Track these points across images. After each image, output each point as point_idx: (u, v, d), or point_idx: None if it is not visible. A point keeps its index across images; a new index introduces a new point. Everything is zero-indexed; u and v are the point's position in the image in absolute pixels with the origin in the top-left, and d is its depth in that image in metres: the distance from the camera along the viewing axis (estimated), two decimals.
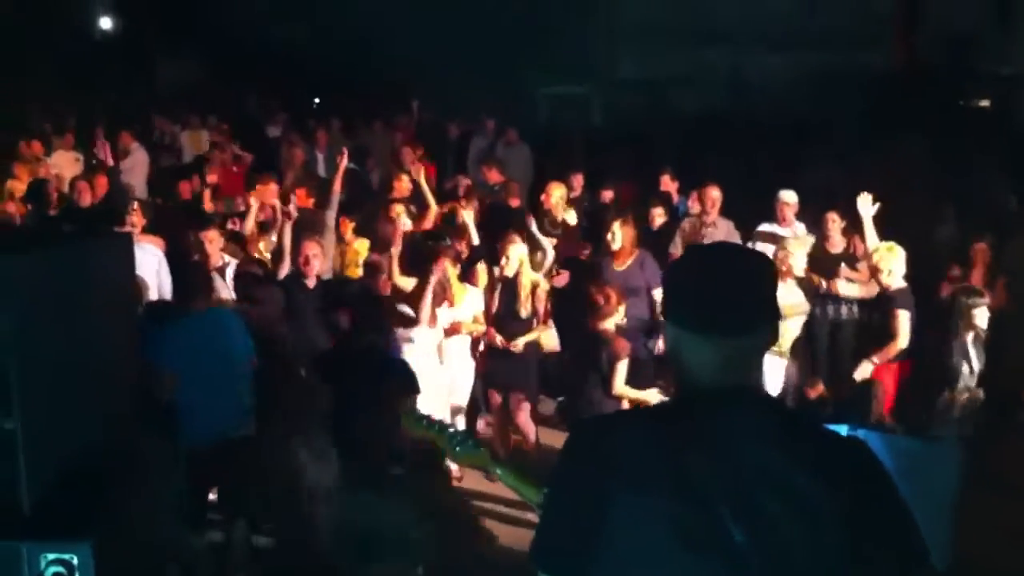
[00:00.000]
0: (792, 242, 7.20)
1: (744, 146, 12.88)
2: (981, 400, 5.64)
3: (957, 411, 5.47)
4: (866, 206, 7.03)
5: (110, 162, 10.69)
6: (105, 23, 23.31)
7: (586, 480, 1.89)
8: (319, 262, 6.76)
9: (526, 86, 18.49)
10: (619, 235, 7.44)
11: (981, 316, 5.75)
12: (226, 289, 6.95)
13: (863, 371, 6.04)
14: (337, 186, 7.75)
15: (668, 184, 9.95)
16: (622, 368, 5.83)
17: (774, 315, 1.98)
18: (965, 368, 5.69)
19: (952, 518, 4.21)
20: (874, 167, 10.39)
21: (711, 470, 1.80)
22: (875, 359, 6.13)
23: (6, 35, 16.02)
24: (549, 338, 7.26)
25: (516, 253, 7.02)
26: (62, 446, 2.70)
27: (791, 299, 6.70)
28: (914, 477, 3.49)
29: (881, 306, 6.49)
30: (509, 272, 6.99)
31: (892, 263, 6.35)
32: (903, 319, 6.19)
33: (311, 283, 6.73)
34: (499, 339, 6.94)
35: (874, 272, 6.46)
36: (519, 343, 6.92)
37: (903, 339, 6.17)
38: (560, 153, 12.91)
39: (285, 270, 6.82)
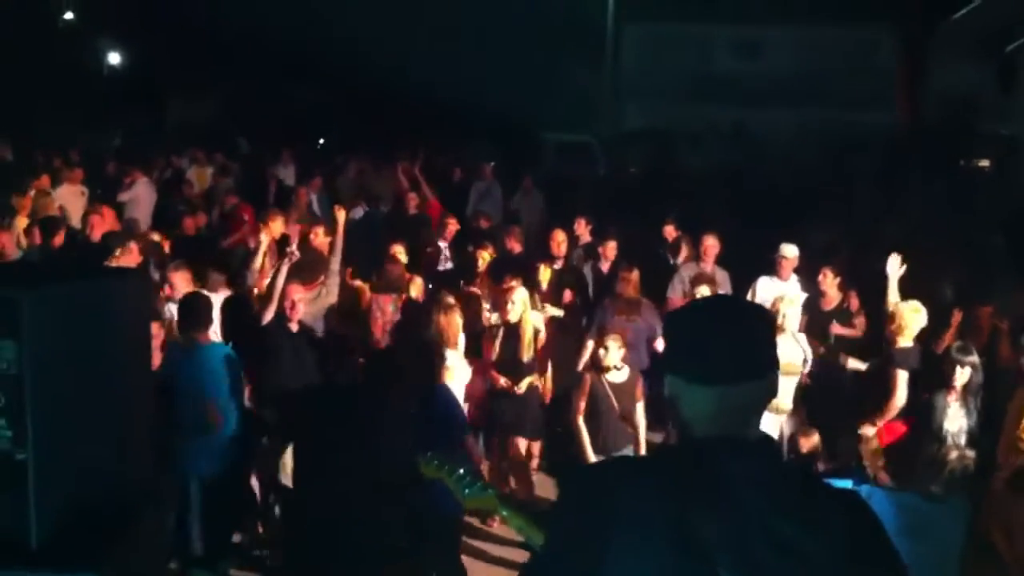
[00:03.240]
0: (785, 301, 7.22)
1: (745, 199, 12.96)
2: (970, 460, 5.61)
3: (944, 470, 5.44)
4: (894, 266, 7.01)
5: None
6: (114, 59, 23.54)
7: (583, 532, 1.88)
8: (303, 306, 6.68)
9: (532, 132, 18.65)
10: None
11: (963, 376, 5.75)
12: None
13: (867, 432, 6.02)
14: (341, 231, 7.71)
15: (671, 233, 10.02)
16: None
17: (773, 366, 1.98)
18: (952, 427, 5.68)
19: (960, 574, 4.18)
20: (875, 224, 10.47)
21: (709, 524, 1.79)
22: (877, 421, 6.12)
23: (16, 71, 16.17)
24: (548, 382, 7.37)
25: (520, 298, 7.05)
26: (73, 479, 2.70)
27: (787, 356, 6.72)
28: (919, 534, 3.50)
29: (882, 363, 6.51)
30: (513, 317, 7.02)
31: (915, 324, 6.39)
32: (901, 379, 6.21)
33: (294, 327, 6.63)
34: (503, 381, 6.96)
35: (897, 331, 6.45)
36: (522, 386, 6.96)
37: (900, 399, 6.17)
38: (567, 199, 13.02)
39: (272, 312, 6.68)
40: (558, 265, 8.85)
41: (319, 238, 8.19)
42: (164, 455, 5.26)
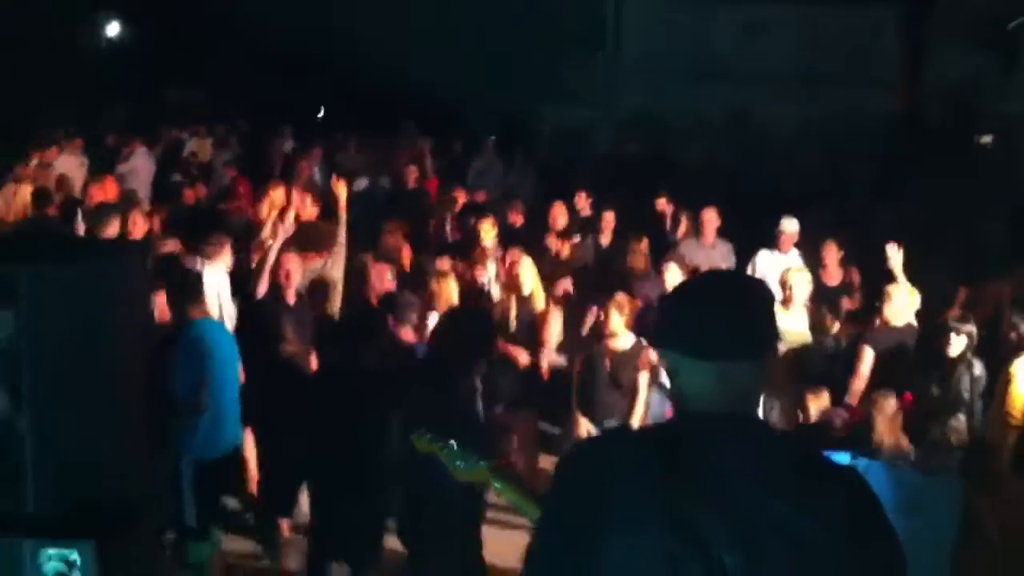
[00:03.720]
0: (793, 272, 7.20)
1: (746, 180, 12.94)
2: (963, 432, 5.61)
3: (942, 444, 5.45)
4: (894, 253, 6.95)
5: None
6: (112, 31, 23.39)
7: (578, 513, 1.87)
8: (299, 277, 6.60)
9: (531, 110, 18.62)
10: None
11: (959, 343, 5.73)
12: None
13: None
14: (343, 202, 7.69)
15: (664, 206, 10.01)
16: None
17: (773, 340, 1.98)
18: (938, 394, 5.69)
19: (953, 552, 4.19)
20: (878, 206, 10.45)
21: (707, 505, 1.78)
22: (847, 399, 6.11)
23: (16, 46, 16.08)
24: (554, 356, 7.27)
25: (528, 272, 7.01)
26: (70, 451, 2.71)
27: (796, 327, 6.71)
28: (915, 510, 3.51)
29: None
30: (525, 291, 6.95)
31: (902, 306, 6.41)
32: (867, 357, 6.22)
33: (291, 299, 6.54)
34: (524, 356, 6.86)
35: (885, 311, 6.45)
36: (544, 362, 6.90)
37: (862, 377, 6.19)
38: (564, 177, 13.00)
39: (265, 285, 6.55)
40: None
41: (307, 210, 8.09)
42: (158, 433, 5.26)
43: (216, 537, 5.88)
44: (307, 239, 7.16)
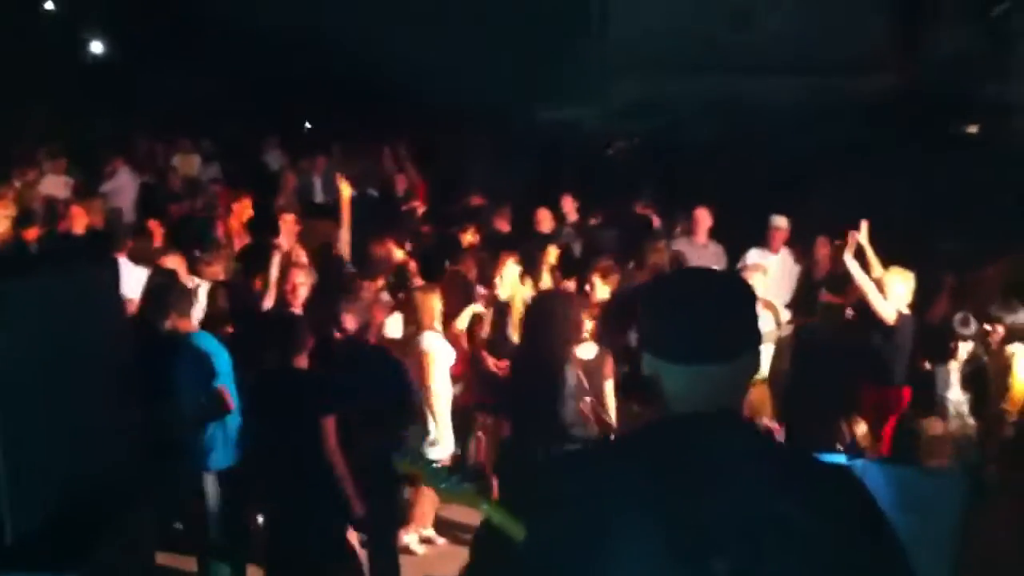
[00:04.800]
0: (748, 271, 7.18)
1: (739, 171, 12.89)
2: (971, 430, 5.57)
3: (946, 442, 5.39)
4: (863, 235, 6.86)
5: None
6: (96, 47, 23.35)
7: (570, 528, 1.81)
8: (306, 291, 6.60)
9: (521, 108, 18.57)
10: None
11: (965, 348, 5.71)
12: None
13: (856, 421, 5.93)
14: (347, 205, 7.79)
15: (643, 210, 9.94)
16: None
17: (756, 341, 1.91)
18: (954, 396, 5.65)
19: (954, 551, 4.13)
20: (870, 192, 10.39)
21: (703, 506, 1.74)
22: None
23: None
24: None
25: (510, 275, 6.97)
26: (48, 473, 2.65)
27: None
28: (917, 509, 3.45)
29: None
30: (503, 294, 6.92)
31: (900, 291, 6.36)
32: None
33: (297, 311, 6.46)
34: (491, 361, 6.83)
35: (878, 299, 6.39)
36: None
37: None
38: (553, 176, 12.96)
39: (272, 298, 6.64)
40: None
41: (288, 225, 8.07)
42: (170, 449, 5.21)
43: (241, 558, 5.73)
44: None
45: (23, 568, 2.61)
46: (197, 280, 7.10)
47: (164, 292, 5.84)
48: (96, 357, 2.94)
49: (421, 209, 10.09)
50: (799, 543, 1.72)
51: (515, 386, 5.57)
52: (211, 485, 5.55)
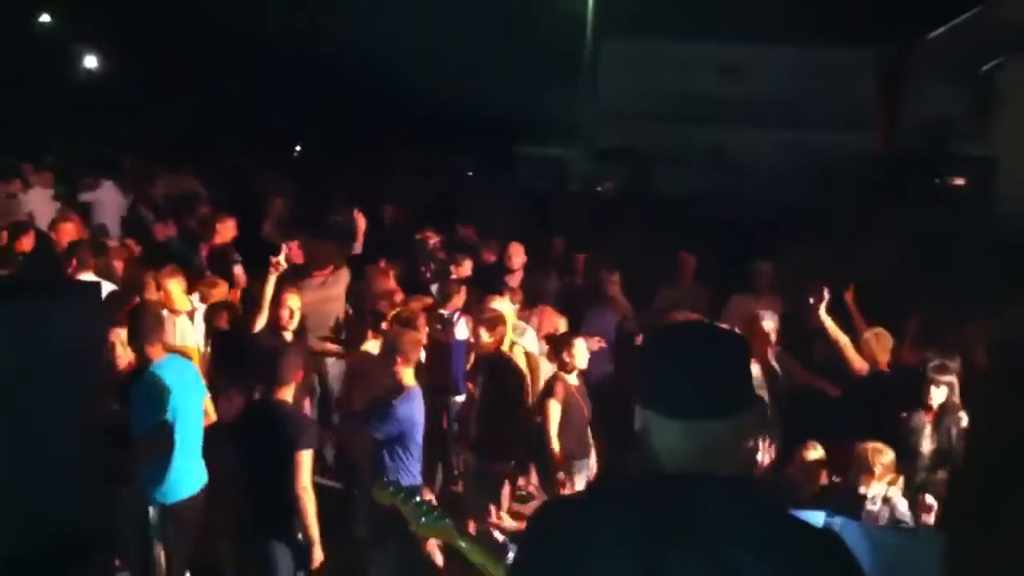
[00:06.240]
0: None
1: (723, 220, 12.96)
2: (941, 483, 5.53)
3: (918, 491, 5.38)
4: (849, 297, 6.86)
5: None
6: (90, 63, 23.34)
7: (552, 573, 1.81)
8: (299, 315, 6.53)
9: (507, 145, 18.69)
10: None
11: (939, 395, 5.69)
12: (194, 334, 6.80)
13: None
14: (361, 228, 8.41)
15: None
16: None
17: (750, 398, 1.91)
18: (927, 448, 5.63)
19: None
20: (856, 247, 10.46)
21: (683, 568, 1.73)
22: None
23: None
24: None
25: (507, 325, 6.56)
26: (15, 511, 2.60)
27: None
28: (893, 570, 3.43)
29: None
30: (504, 347, 6.48)
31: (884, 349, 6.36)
32: None
33: (288, 337, 6.46)
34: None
35: (871, 359, 6.37)
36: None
37: None
38: (539, 215, 13.01)
39: (262, 320, 6.48)
40: (514, 280, 8.56)
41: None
42: (120, 473, 5.09)
43: None
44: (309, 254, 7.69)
45: None
46: (196, 302, 7.01)
47: (135, 318, 5.63)
48: (71, 384, 2.87)
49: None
50: None
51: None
52: (156, 518, 5.31)
